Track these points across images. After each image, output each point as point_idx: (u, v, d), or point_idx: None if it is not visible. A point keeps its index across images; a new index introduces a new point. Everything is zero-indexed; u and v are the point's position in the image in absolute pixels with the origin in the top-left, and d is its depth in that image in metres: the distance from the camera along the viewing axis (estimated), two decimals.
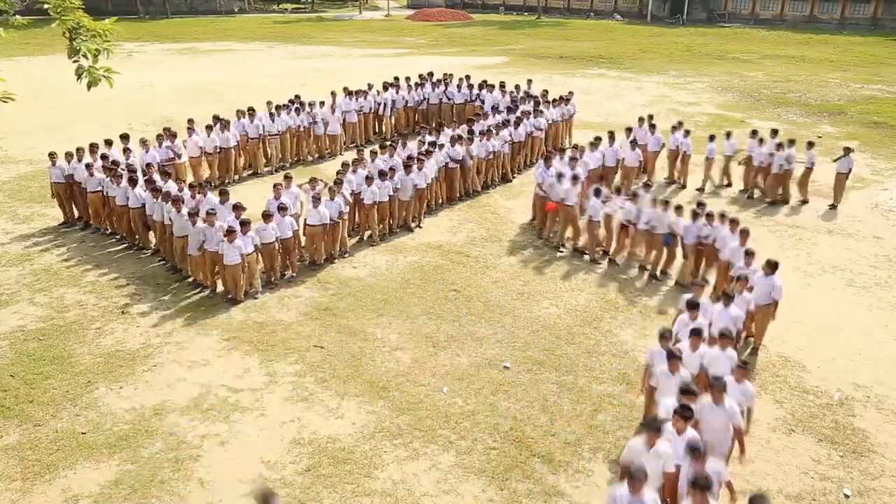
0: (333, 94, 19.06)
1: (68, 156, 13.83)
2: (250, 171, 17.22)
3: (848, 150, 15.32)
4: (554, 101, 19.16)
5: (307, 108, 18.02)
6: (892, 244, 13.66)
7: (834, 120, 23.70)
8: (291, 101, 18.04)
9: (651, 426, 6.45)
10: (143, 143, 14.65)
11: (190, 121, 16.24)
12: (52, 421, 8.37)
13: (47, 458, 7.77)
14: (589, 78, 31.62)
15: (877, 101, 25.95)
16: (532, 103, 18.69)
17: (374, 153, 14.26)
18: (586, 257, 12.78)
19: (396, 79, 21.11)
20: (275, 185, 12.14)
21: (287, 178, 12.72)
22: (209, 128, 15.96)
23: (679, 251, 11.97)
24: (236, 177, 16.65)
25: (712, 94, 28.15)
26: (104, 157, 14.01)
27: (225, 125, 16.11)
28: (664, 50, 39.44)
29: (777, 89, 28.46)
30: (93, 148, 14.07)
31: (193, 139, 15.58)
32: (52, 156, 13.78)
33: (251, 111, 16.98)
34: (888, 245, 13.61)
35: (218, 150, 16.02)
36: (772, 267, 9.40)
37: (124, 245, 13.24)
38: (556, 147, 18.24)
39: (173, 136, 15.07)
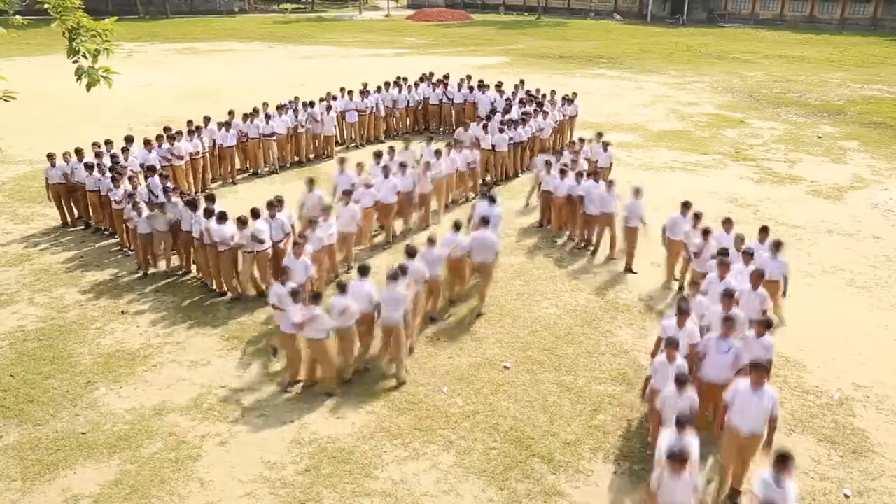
0: (328, 94, 18.97)
1: (66, 156, 13.82)
2: (250, 172, 17.26)
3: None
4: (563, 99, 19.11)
5: (306, 109, 17.96)
6: (892, 244, 13.65)
7: (834, 120, 23.70)
8: (286, 104, 17.83)
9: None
10: (147, 143, 14.65)
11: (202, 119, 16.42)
12: (52, 421, 8.37)
13: (47, 458, 7.77)
14: (589, 78, 31.62)
15: (877, 101, 25.95)
16: (533, 105, 18.67)
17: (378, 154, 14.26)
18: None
19: (401, 79, 21.07)
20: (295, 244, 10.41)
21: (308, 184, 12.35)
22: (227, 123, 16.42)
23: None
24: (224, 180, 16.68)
25: (712, 94, 28.16)
26: (113, 157, 14.00)
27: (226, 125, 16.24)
28: (664, 50, 39.43)
29: (777, 89, 28.46)
30: (95, 147, 14.10)
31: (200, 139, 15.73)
32: (50, 157, 13.76)
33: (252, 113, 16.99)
34: (888, 245, 13.61)
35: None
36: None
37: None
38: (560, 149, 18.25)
39: (172, 137, 15.05)
